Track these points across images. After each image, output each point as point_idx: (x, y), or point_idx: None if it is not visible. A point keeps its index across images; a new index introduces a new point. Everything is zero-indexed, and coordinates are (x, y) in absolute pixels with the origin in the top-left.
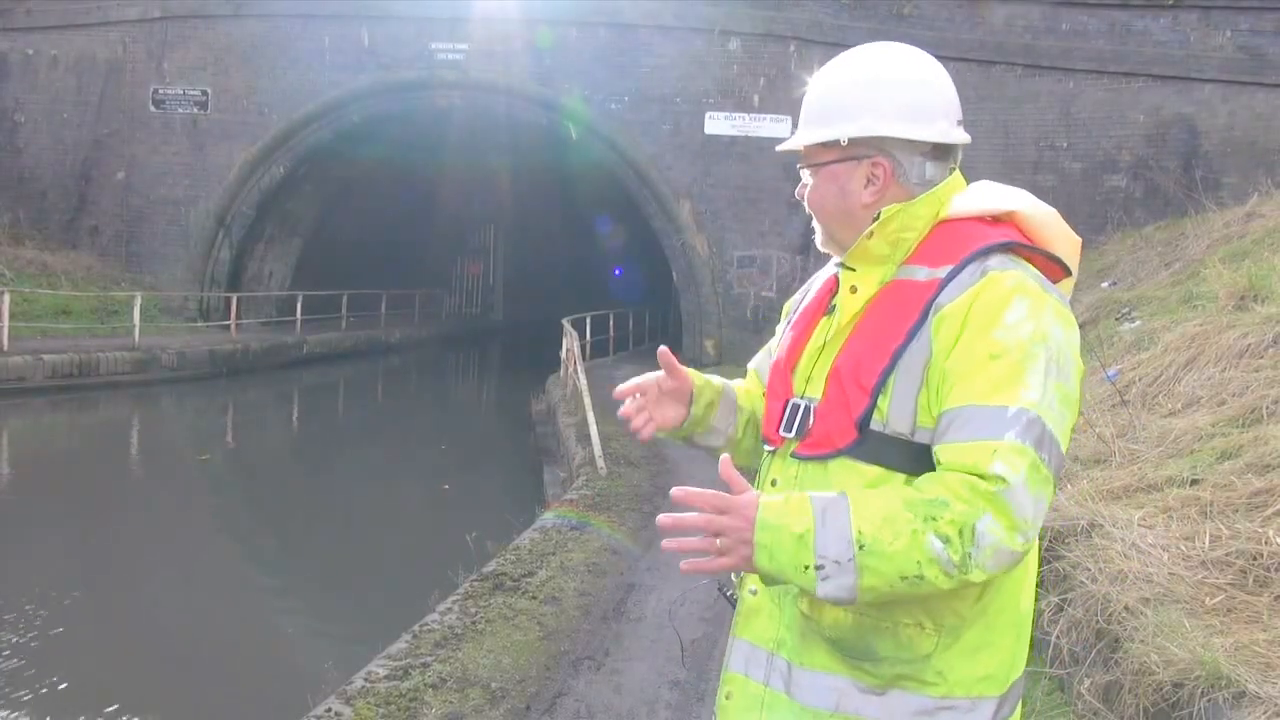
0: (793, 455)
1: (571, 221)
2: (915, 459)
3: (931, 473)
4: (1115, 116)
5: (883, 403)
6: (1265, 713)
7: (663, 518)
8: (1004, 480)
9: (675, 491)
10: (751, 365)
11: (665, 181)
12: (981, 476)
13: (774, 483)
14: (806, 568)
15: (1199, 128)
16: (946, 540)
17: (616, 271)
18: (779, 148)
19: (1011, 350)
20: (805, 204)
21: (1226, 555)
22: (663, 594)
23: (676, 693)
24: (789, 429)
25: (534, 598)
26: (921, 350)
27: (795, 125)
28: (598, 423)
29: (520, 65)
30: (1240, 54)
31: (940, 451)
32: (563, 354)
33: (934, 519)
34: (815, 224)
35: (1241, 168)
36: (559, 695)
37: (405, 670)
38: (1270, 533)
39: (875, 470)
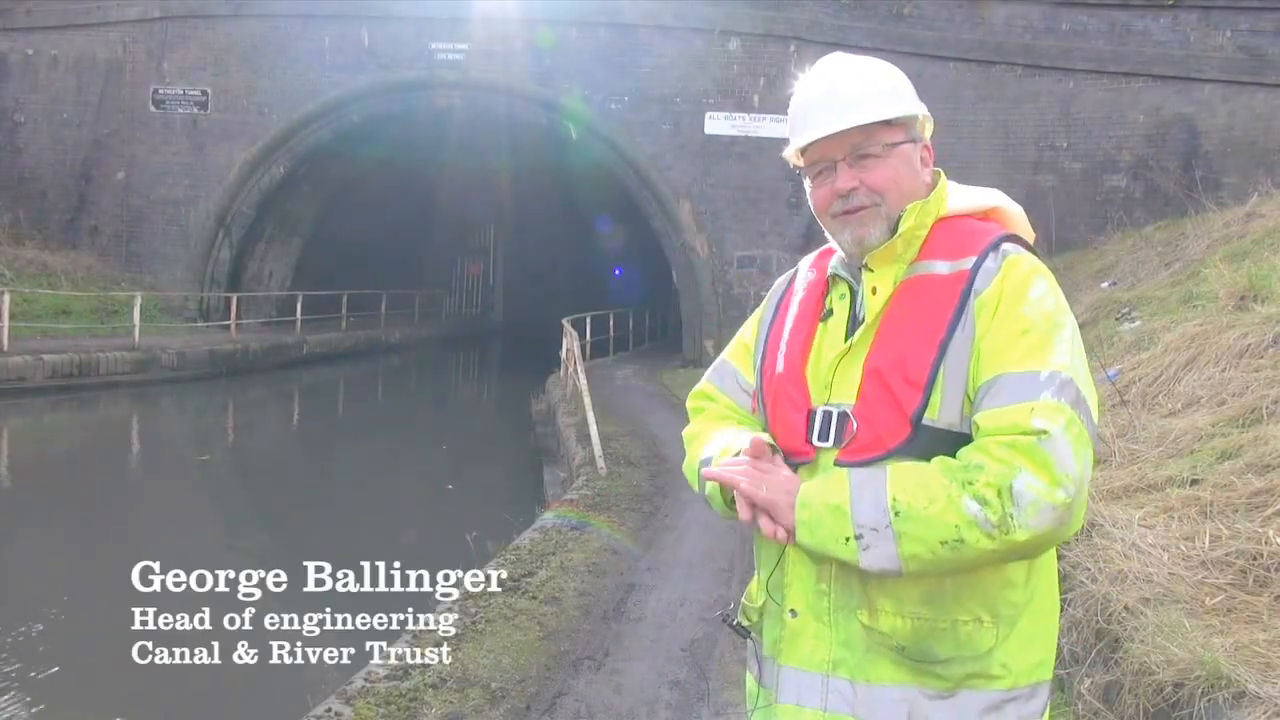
0: (836, 464)
1: (571, 222)
2: None
3: (972, 443)
4: (1115, 116)
5: (935, 396)
6: (1265, 713)
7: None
8: (1045, 432)
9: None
10: (714, 388)
11: (665, 182)
12: (1022, 433)
13: None
14: (847, 539)
15: (1199, 128)
16: (984, 502)
17: (616, 272)
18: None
19: (1039, 323)
20: (864, 189)
21: (1226, 555)
22: (663, 594)
23: (676, 693)
24: (824, 438)
25: (534, 598)
26: (966, 339)
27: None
28: (598, 423)
29: (520, 65)
30: (1240, 54)
31: (979, 420)
32: (563, 354)
33: (970, 482)
34: (851, 224)
35: (1241, 168)
36: (559, 695)
37: (405, 670)
38: (1270, 533)
39: None
